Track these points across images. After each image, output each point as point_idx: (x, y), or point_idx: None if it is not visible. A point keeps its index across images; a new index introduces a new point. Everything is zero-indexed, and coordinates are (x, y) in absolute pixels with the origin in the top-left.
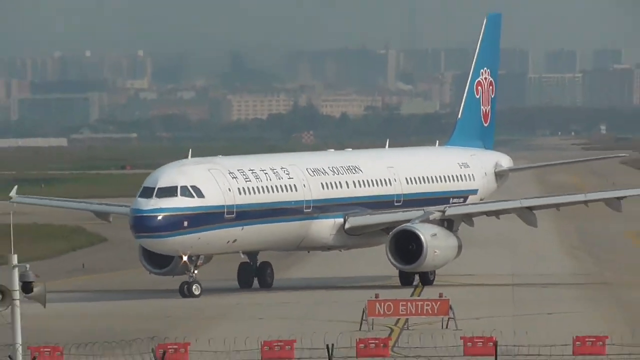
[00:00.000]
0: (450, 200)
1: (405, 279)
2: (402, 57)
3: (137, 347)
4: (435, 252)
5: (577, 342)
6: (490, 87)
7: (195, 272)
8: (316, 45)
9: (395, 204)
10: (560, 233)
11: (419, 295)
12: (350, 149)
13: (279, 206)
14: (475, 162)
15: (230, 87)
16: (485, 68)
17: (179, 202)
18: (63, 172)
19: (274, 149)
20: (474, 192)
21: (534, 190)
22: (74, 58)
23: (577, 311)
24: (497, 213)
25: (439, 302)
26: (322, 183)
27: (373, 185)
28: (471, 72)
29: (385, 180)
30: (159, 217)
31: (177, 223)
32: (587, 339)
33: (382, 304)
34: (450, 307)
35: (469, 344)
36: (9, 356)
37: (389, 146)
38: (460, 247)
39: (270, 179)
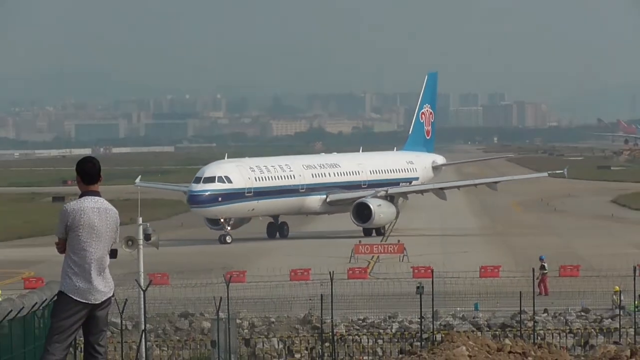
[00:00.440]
0: (400, 184)
1: (367, 232)
2: (374, 98)
3: (215, 273)
4: (380, 215)
5: (482, 269)
6: (431, 115)
7: (228, 228)
8: (324, 90)
9: (362, 187)
10: (468, 203)
11: (385, 241)
12: (335, 153)
13: (282, 188)
14: (418, 160)
15: (272, 116)
16: (427, 104)
17: (217, 186)
18: (170, 167)
19: (297, 153)
20: (416, 179)
21: (454, 177)
22: (178, 98)
23: (481, 250)
24: (421, 192)
25: (397, 245)
26: (312, 173)
27: (347, 175)
28: (417, 106)
29: (355, 171)
30: (204, 195)
31: (215, 198)
32: (488, 267)
33: (364, 246)
34: (404, 248)
35: (416, 270)
36: (136, 280)
37: (362, 151)
38: (398, 213)
39: (277, 171)
